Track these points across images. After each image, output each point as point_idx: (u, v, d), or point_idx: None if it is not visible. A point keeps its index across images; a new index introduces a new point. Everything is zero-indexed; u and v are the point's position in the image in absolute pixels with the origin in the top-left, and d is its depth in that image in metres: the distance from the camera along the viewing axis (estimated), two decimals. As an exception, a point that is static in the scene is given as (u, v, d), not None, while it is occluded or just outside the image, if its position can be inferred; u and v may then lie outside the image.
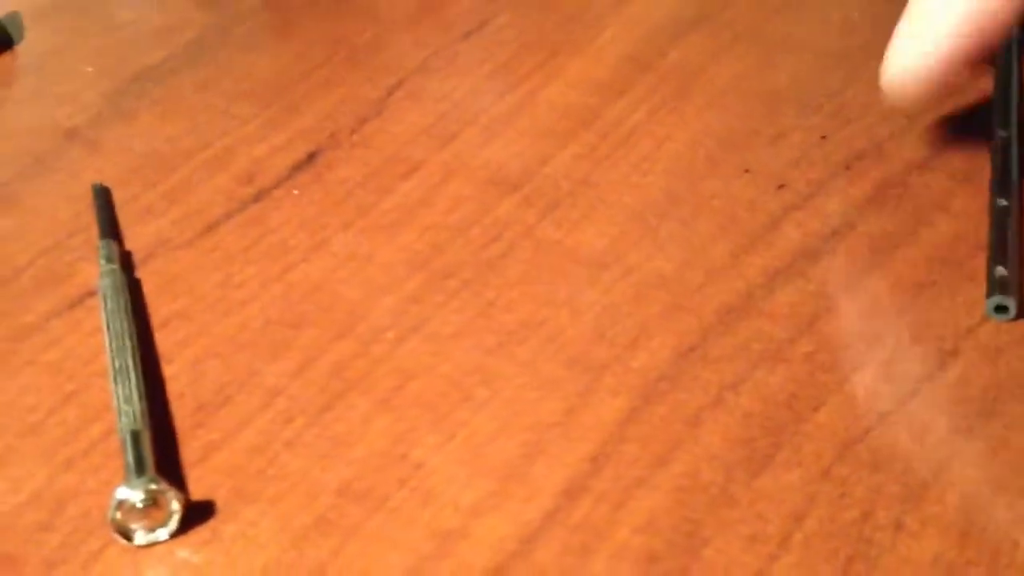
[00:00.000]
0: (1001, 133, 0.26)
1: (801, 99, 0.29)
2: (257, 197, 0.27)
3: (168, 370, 0.23)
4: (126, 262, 0.25)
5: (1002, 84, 0.27)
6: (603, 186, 0.27)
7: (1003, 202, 0.24)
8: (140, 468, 0.20)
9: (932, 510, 0.19)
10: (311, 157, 0.28)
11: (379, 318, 0.24)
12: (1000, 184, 0.24)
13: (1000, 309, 0.22)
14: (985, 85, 0.28)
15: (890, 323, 0.22)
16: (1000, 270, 0.22)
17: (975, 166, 0.26)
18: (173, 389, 0.22)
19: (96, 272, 0.25)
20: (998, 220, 0.23)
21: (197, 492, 0.20)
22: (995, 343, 0.22)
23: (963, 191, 0.25)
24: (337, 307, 0.24)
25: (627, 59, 0.31)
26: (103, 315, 0.23)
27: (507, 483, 0.20)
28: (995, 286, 0.22)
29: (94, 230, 0.26)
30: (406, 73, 0.31)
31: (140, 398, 0.21)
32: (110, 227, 0.26)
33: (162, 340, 0.23)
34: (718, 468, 0.20)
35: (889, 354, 0.22)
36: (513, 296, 0.24)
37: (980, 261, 0.23)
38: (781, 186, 0.26)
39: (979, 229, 0.24)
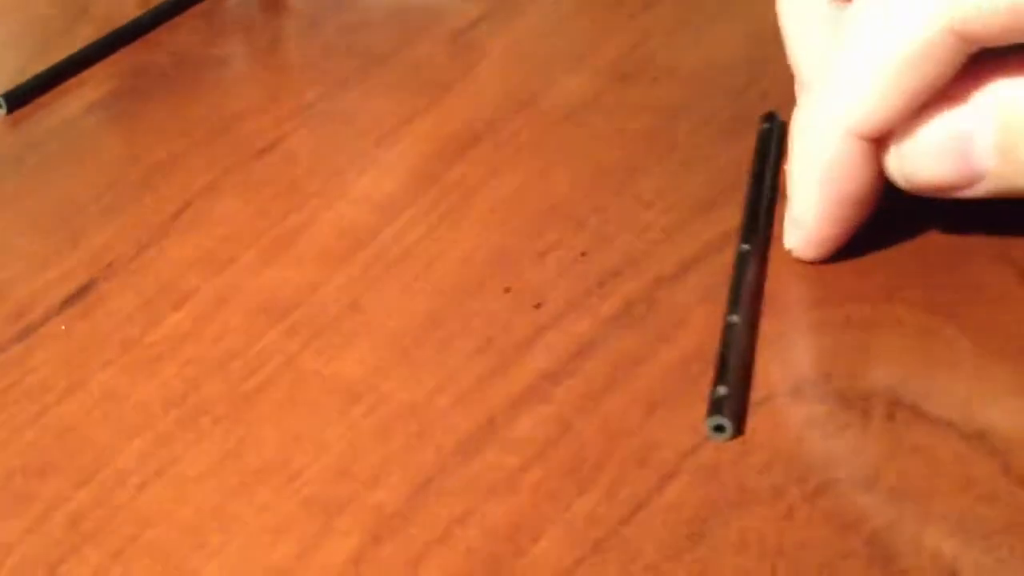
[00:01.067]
0: (743, 247, 0.27)
1: (571, 214, 0.30)
2: (22, 335, 0.27)
3: (-96, 529, 0.23)
4: None
5: (752, 195, 0.29)
6: (370, 310, 0.27)
7: (733, 319, 0.25)
8: None
9: (635, 641, 0.20)
10: (84, 289, 0.29)
11: (126, 462, 0.24)
12: (732, 300, 0.25)
13: (718, 429, 0.23)
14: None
15: (619, 445, 0.23)
16: (720, 389, 0.23)
17: (722, 280, 0.27)
18: (-93, 550, 0.22)
19: None
20: (726, 337, 0.25)
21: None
22: (713, 462, 0.22)
23: (704, 307, 0.26)
24: (85, 451, 0.24)
25: (413, 175, 0.32)
26: None
27: (227, 635, 0.20)
28: (714, 406, 0.23)
29: None
30: (193, 194, 0.32)
31: None
32: None
33: (-96, 495, 0.23)
34: (437, 607, 0.20)
35: (612, 478, 0.22)
36: (263, 433, 0.24)
37: (710, 379, 0.24)
38: (538, 305, 0.27)
39: (715, 347, 0.25)
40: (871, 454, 0.22)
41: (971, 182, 0.25)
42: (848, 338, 0.25)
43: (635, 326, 0.26)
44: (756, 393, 0.24)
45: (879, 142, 0.25)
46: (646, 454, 0.23)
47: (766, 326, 0.25)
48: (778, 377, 0.24)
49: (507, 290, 0.27)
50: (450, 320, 0.27)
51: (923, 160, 0.25)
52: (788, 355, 0.25)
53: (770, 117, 0.31)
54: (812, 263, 0.26)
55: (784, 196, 0.27)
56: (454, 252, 0.29)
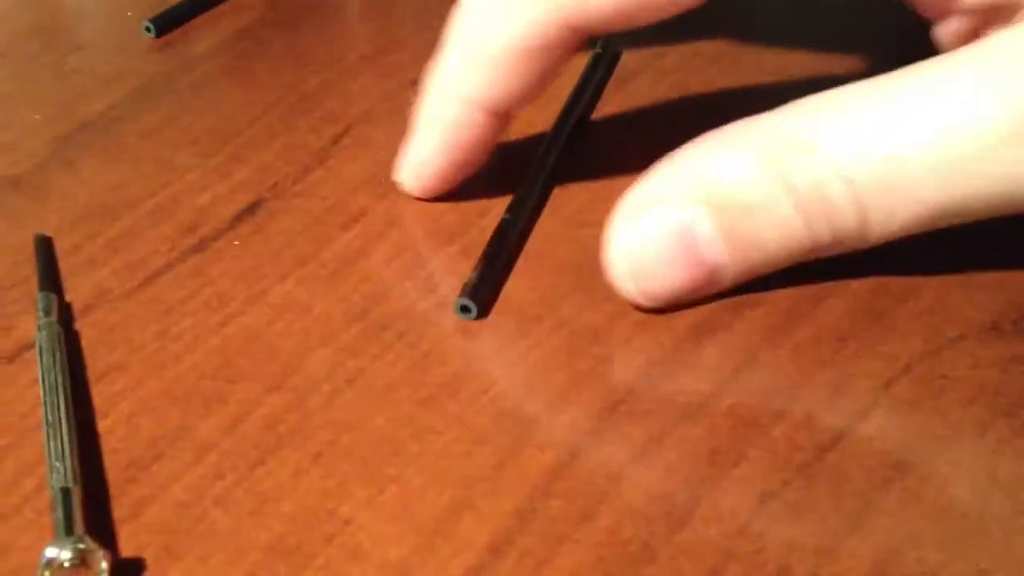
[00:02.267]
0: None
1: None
2: (198, 247, 0.27)
3: (103, 424, 0.23)
4: (65, 314, 0.25)
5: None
6: (539, 238, 0.27)
7: (506, 217, 0.27)
8: (69, 527, 0.20)
9: (847, 564, 0.19)
10: (253, 207, 0.29)
11: (314, 370, 0.24)
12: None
13: (464, 309, 0.25)
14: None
15: (812, 375, 0.23)
16: (472, 276, 0.25)
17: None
18: (107, 444, 0.22)
19: (34, 325, 0.25)
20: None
21: (127, 550, 0.20)
22: (913, 395, 0.22)
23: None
24: (272, 360, 0.24)
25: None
26: (39, 369, 0.23)
27: (434, 539, 0.20)
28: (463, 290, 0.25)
29: (34, 281, 0.26)
30: (351, 121, 0.32)
31: (71, 454, 0.21)
32: (50, 279, 0.26)
33: (98, 394, 0.24)
34: (640, 523, 0.20)
35: (808, 406, 0.22)
36: (446, 348, 0.24)
37: (902, 313, 0.24)
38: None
39: (902, 282, 0.25)
40: (1077, 393, 0.22)
41: (712, 279, 0.24)
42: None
43: (812, 261, 0.26)
44: (953, 330, 0.23)
45: (497, 116, 0.27)
46: (841, 385, 0.23)
47: (950, 264, 0.25)
48: (973, 314, 0.24)
49: (679, 222, 0.27)
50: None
51: (653, 273, 0.24)
52: (980, 293, 0.24)
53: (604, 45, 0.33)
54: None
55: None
56: (621, 187, 0.29)
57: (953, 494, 0.20)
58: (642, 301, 0.24)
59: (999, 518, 0.20)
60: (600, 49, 0.33)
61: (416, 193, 0.28)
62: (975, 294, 0.24)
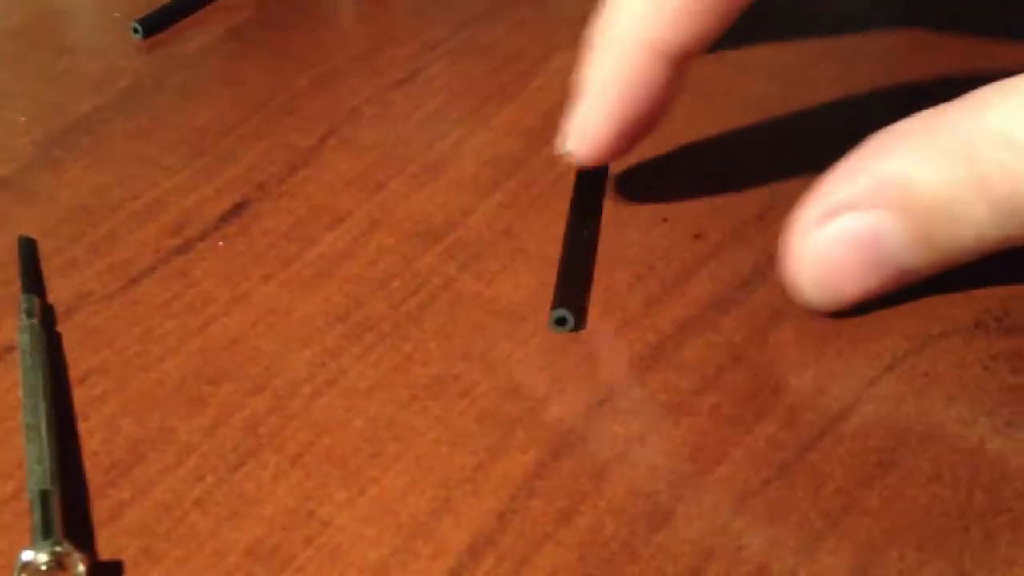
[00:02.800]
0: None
1: (720, 146, 0.29)
2: (182, 249, 0.27)
3: (84, 427, 0.23)
4: (48, 316, 0.25)
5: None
6: (525, 236, 0.27)
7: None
8: (46, 529, 0.20)
9: (827, 562, 0.19)
10: (238, 208, 0.29)
11: (296, 372, 0.24)
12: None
13: (560, 321, 0.24)
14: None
15: (794, 374, 0.23)
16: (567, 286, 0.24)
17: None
18: (88, 446, 0.22)
19: (16, 327, 0.25)
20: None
21: (106, 552, 0.20)
22: (896, 393, 0.22)
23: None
24: (255, 361, 0.24)
25: (556, 107, 0.32)
26: (20, 371, 0.23)
27: (413, 540, 0.20)
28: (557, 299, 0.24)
29: (18, 283, 0.26)
30: (338, 121, 0.32)
31: (51, 457, 0.21)
32: (33, 281, 0.26)
33: (79, 396, 0.23)
34: (622, 522, 0.20)
35: (792, 404, 0.22)
36: (430, 349, 0.24)
37: (885, 312, 0.24)
38: (697, 235, 0.27)
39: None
40: (1061, 390, 0.22)
41: (901, 281, 0.23)
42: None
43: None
44: (936, 327, 0.23)
45: (676, 63, 0.25)
46: (823, 384, 0.23)
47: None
48: (956, 312, 0.24)
49: (664, 220, 0.27)
50: (608, 247, 0.26)
51: (839, 280, 0.23)
52: (964, 290, 0.24)
53: None
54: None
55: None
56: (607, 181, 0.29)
57: (934, 493, 0.20)
58: (825, 307, 0.23)
59: (980, 517, 0.20)
60: None
61: (589, 162, 0.27)
62: (960, 292, 0.24)
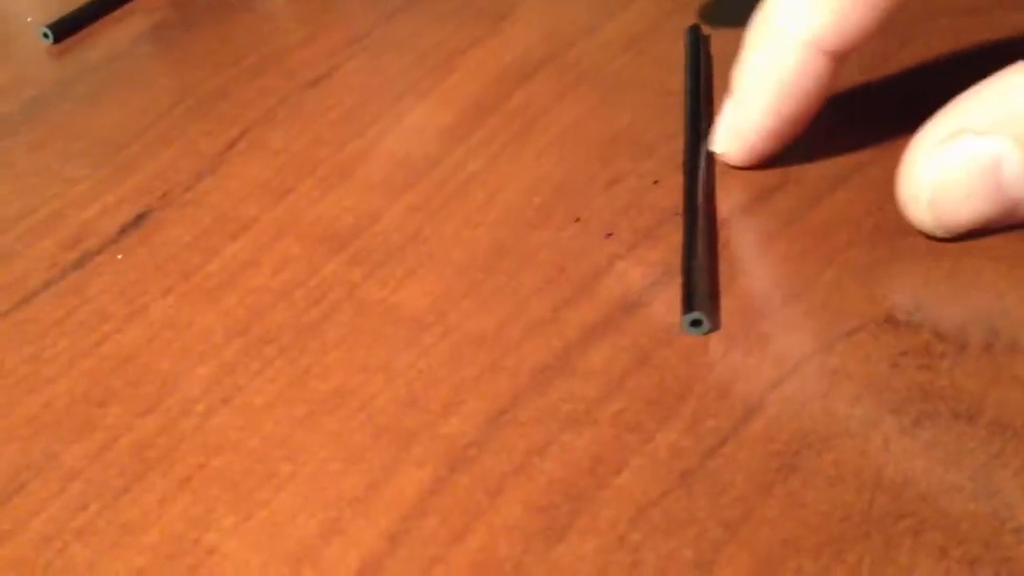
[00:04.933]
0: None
1: (639, 142, 0.29)
2: (79, 263, 0.26)
3: (-34, 456, 0.22)
4: (-63, 339, 0.25)
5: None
6: (433, 240, 0.26)
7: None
8: (-85, 569, 0.19)
9: (725, 574, 0.19)
10: (140, 218, 0.28)
11: (190, 390, 0.23)
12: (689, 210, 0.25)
13: (695, 324, 0.23)
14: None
15: (699, 375, 0.22)
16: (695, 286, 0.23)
17: (806, 205, 0.26)
18: (-30, 476, 0.22)
19: (-98, 352, 0.24)
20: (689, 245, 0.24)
21: (-18, 589, 0.20)
22: (801, 393, 0.21)
23: (786, 232, 0.25)
24: (148, 380, 0.23)
25: (472, 104, 0.31)
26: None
27: (300, 566, 0.19)
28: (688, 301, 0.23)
29: (-92, 305, 0.26)
30: (248, 124, 0.31)
31: (-74, 491, 0.20)
32: (-78, 302, 0.25)
33: (-35, 423, 0.23)
34: (516, 540, 0.20)
35: (695, 409, 0.21)
36: (329, 362, 0.23)
37: (795, 309, 0.23)
38: (609, 235, 0.26)
39: (798, 277, 0.24)
40: (970, 386, 0.21)
41: (1013, 213, 0.23)
42: (940, 266, 0.24)
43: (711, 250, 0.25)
44: (847, 323, 0.23)
45: (837, 58, 0.24)
46: (728, 386, 0.22)
47: (853, 255, 0.24)
48: (867, 307, 0.23)
49: (577, 219, 0.26)
50: (517, 250, 0.26)
51: (955, 202, 0.23)
52: (878, 284, 0.24)
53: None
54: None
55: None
56: (518, 182, 0.28)
57: (836, 498, 0.19)
58: (936, 230, 0.23)
59: (882, 522, 0.19)
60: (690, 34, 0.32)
61: (742, 162, 0.26)
62: (872, 286, 0.23)
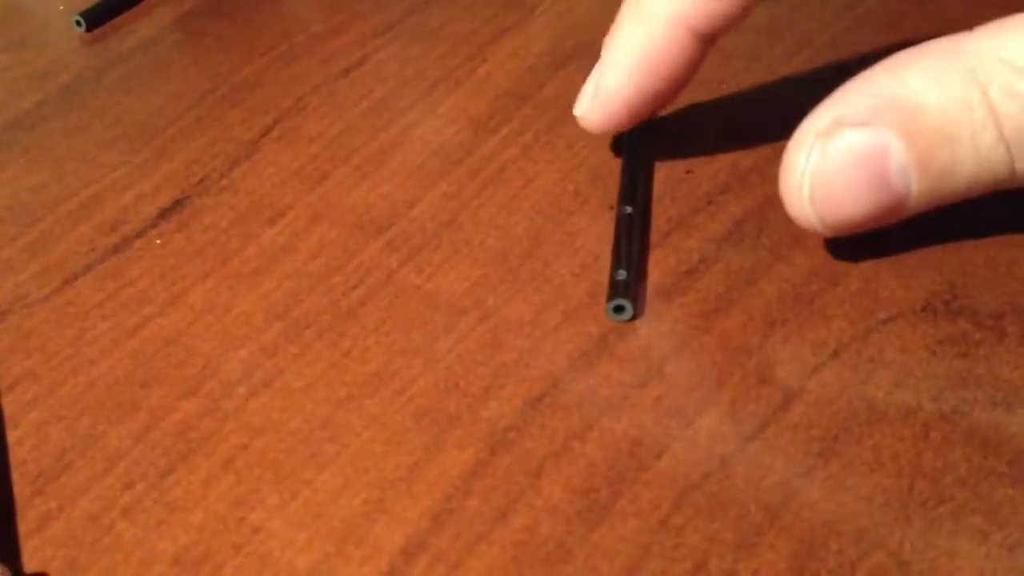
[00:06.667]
0: (626, 210, 0.26)
1: (673, 131, 0.29)
2: (118, 248, 0.27)
3: (12, 435, 0.22)
4: (-20, 321, 0.25)
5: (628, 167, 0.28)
6: (468, 227, 0.27)
7: (627, 210, 0.25)
8: (-33, 544, 0.19)
9: (766, 557, 0.19)
10: (177, 204, 0.28)
11: (231, 373, 0.23)
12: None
13: (618, 309, 0.23)
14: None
15: (738, 363, 0.22)
16: (620, 273, 0.24)
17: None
18: (16, 455, 0.22)
19: (-53, 333, 0.24)
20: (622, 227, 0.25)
21: (31, 564, 0.20)
22: (840, 380, 0.22)
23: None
24: (189, 363, 0.24)
25: (504, 93, 0.31)
26: (-52, 379, 0.23)
27: (345, 544, 0.20)
28: (614, 289, 0.23)
29: (-50, 287, 0.26)
30: (281, 112, 0.31)
31: (-25, 468, 0.21)
32: (-35, 285, 0.26)
33: (10, 403, 0.23)
34: (558, 521, 0.20)
35: (734, 395, 0.22)
36: (368, 345, 0.24)
37: (832, 297, 0.23)
38: (644, 223, 0.26)
39: (835, 265, 0.24)
40: (1007, 374, 0.21)
41: (896, 208, 0.22)
42: (976, 255, 0.24)
43: (746, 243, 0.25)
44: (884, 311, 0.23)
45: (703, 39, 0.24)
46: (767, 372, 0.22)
47: (888, 244, 0.24)
48: (904, 295, 0.23)
49: (611, 207, 0.27)
50: (552, 237, 0.26)
51: (838, 196, 0.22)
52: (914, 273, 0.24)
53: None
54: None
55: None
56: (552, 170, 0.28)
57: (876, 482, 0.20)
58: (820, 228, 0.23)
59: (922, 507, 0.19)
60: None
61: (597, 128, 0.26)
62: (908, 275, 0.24)
